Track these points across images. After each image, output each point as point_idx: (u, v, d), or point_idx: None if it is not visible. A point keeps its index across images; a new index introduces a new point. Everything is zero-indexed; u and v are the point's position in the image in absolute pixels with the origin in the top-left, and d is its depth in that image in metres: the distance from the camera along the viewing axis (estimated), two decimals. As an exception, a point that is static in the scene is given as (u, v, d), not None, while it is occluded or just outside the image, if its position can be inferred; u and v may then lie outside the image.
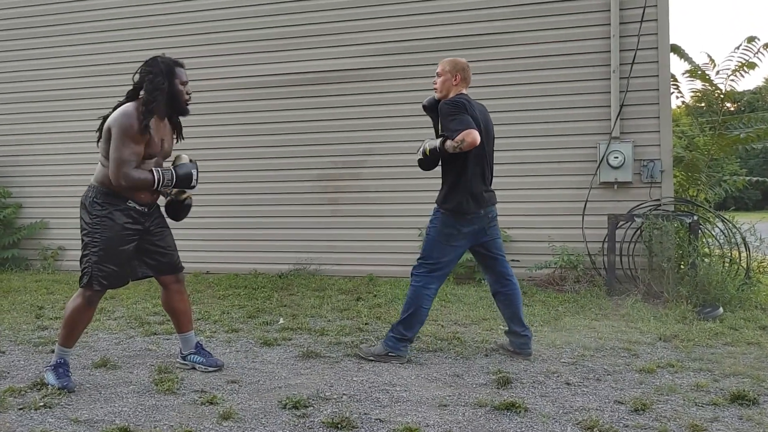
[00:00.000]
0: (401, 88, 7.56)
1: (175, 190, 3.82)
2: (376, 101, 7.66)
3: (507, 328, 4.31)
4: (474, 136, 3.78)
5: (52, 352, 4.25)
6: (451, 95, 4.13)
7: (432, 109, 4.26)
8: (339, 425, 2.94)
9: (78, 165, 8.61)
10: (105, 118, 3.67)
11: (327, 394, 3.43)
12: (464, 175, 4.01)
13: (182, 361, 3.99)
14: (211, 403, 3.26)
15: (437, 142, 4.00)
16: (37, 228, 8.73)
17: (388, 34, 7.64)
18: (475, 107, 4.10)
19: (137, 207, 3.65)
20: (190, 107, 3.80)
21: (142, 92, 3.63)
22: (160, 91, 3.60)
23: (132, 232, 3.63)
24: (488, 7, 7.35)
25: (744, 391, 3.35)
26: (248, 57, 8.11)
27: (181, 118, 3.87)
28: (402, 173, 7.45)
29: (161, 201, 3.87)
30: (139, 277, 3.82)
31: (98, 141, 3.72)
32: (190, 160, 3.79)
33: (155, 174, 3.54)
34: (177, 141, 3.94)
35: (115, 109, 3.64)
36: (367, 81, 7.70)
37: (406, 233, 7.44)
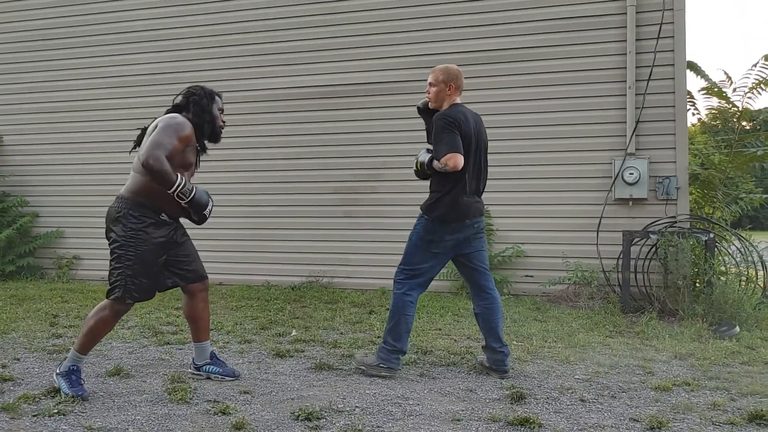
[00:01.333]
0: (416, 101, 7.56)
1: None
2: (392, 115, 7.69)
3: (484, 343, 4.20)
4: (456, 161, 3.82)
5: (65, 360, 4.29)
6: (445, 106, 4.10)
7: (426, 111, 4.23)
8: (352, 438, 2.93)
9: (94, 175, 8.71)
10: (144, 129, 3.72)
11: (340, 406, 3.41)
12: (452, 185, 3.97)
13: (195, 372, 3.98)
14: (224, 414, 3.26)
15: (426, 158, 4.02)
16: (52, 237, 8.80)
17: (406, 49, 7.68)
18: (469, 119, 4.06)
19: (168, 220, 3.68)
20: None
21: (184, 113, 3.73)
22: (207, 113, 3.74)
23: (165, 245, 3.66)
24: (507, 22, 7.37)
25: (762, 410, 3.30)
26: (264, 70, 8.17)
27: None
28: (417, 187, 7.38)
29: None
30: (167, 288, 3.82)
31: (132, 150, 3.75)
32: (208, 195, 3.80)
33: (178, 177, 3.52)
34: (196, 167, 3.97)
35: (153, 120, 3.71)
36: (384, 95, 7.73)
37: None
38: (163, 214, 3.64)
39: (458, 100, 4.16)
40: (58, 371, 3.62)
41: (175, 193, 3.50)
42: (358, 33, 7.86)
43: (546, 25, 7.25)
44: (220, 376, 3.91)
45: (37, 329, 5.31)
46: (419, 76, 7.58)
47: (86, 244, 8.68)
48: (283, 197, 8.08)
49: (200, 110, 3.74)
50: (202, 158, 3.96)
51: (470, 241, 4.10)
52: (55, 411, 3.25)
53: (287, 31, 8.11)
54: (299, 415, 3.22)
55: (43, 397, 3.50)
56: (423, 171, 4.10)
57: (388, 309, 6.29)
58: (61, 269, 8.68)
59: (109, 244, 3.63)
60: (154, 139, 3.48)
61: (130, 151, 3.79)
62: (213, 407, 3.36)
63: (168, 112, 3.77)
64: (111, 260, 3.61)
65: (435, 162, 3.94)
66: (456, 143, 3.86)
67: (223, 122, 3.91)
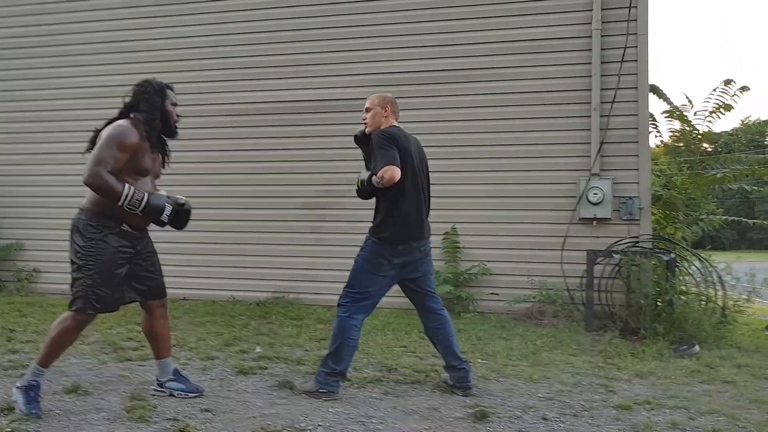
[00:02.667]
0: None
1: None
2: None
3: (444, 363, 4.20)
4: (393, 172, 3.78)
5: (22, 375, 4.18)
6: (383, 128, 4.10)
7: (363, 140, 4.18)
8: (313, 457, 2.90)
9: (55, 187, 8.55)
10: (98, 131, 3.64)
11: (302, 425, 3.38)
12: (399, 206, 3.96)
13: (159, 389, 3.91)
14: (184, 432, 3.21)
15: (366, 175, 3.99)
16: (11, 249, 8.61)
17: (373, 66, 7.72)
18: (408, 138, 4.10)
19: (130, 230, 3.61)
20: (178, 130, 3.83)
21: (134, 114, 3.64)
22: (158, 110, 3.65)
23: (126, 255, 3.59)
24: (472, 43, 7.46)
25: (719, 429, 3.37)
26: (231, 84, 8.15)
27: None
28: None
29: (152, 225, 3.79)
30: (126, 302, 3.74)
31: (85, 153, 3.65)
32: (169, 198, 3.67)
33: (125, 188, 3.42)
34: (164, 166, 3.90)
35: (107, 123, 3.64)
36: (350, 111, 7.72)
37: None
38: (124, 225, 3.57)
39: (395, 125, 4.16)
40: (18, 385, 3.53)
41: (124, 205, 3.42)
42: (326, 50, 7.88)
43: (513, 46, 7.35)
44: (183, 393, 3.85)
45: (-7, 344, 5.18)
46: (391, 93, 7.61)
47: (46, 257, 8.50)
48: (249, 212, 8.02)
49: (152, 108, 3.64)
50: (169, 165, 3.90)
51: (417, 265, 4.07)
52: (9, 429, 3.16)
53: (255, 47, 8.09)
54: (261, 433, 3.18)
55: (-4, 415, 3.40)
56: (363, 189, 4.06)
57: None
58: (20, 282, 8.49)
59: (70, 255, 3.56)
60: (95, 155, 3.43)
61: (83, 153, 3.66)
62: (173, 426, 3.30)
63: (120, 111, 3.69)
64: (72, 271, 3.55)
65: (374, 178, 3.87)
66: (392, 157, 3.84)
67: (178, 116, 3.81)
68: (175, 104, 3.79)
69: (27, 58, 8.83)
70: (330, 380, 3.93)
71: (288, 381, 4.19)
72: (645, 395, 4.13)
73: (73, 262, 3.54)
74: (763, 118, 7.93)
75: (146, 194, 3.53)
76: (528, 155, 7.25)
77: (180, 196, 3.75)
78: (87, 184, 3.40)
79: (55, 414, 3.47)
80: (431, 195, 4.27)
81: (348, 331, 3.95)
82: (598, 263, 6.65)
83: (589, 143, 7.06)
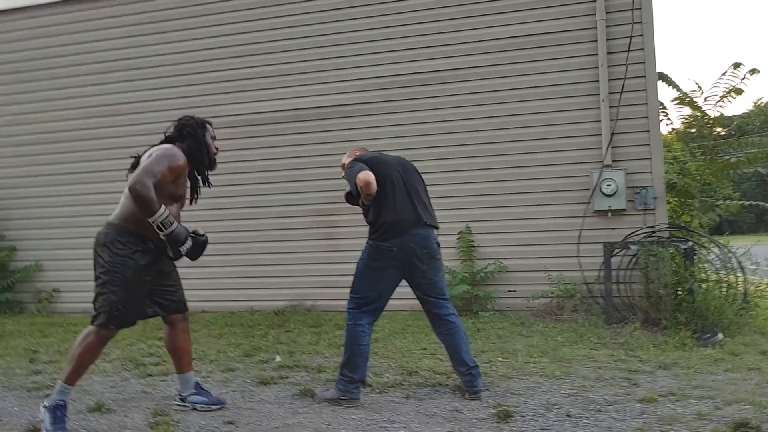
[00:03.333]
0: (394, 122, 7.61)
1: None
2: (368, 135, 7.68)
3: (453, 368, 4.19)
4: (363, 176, 3.85)
5: (47, 396, 4.21)
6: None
7: (353, 196, 4.15)
8: (338, 465, 2.89)
9: (72, 207, 8.63)
10: (138, 156, 3.71)
11: (325, 433, 3.38)
12: (386, 204, 3.99)
13: (181, 403, 3.93)
14: (208, 446, 3.21)
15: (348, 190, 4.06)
16: (31, 271, 8.69)
17: (381, 69, 7.72)
18: (375, 155, 4.18)
19: (154, 248, 3.64)
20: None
21: (178, 144, 3.76)
22: (202, 143, 3.80)
23: (150, 272, 3.64)
24: (478, 40, 7.44)
25: (746, 418, 3.32)
26: (241, 95, 8.17)
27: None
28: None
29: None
30: (148, 316, 3.78)
31: (128, 175, 3.67)
32: (200, 235, 3.79)
33: (161, 207, 3.45)
34: (196, 199, 4.03)
35: (148, 149, 3.72)
36: (361, 116, 7.76)
37: (402, 266, 7.40)
38: (149, 242, 3.60)
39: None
40: (45, 404, 3.55)
41: (155, 223, 3.44)
42: (331, 56, 7.89)
43: (518, 41, 7.33)
44: (206, 406, 3.87)
45: (16, 366, 5.22)
46: (392, 96, 7.63)
47: (66, 277, 8.57)
48: (263, 221, 8.05)
49: (196, 142, 3.80)
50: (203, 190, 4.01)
51: (422, 269, 4.01)
52: (35, 451, 3.19)
53: (261, 56, 8.12)
54: (284, 444, 3.18)
55: (22, 437, 3.43)
56: (350, 197, 4.13)
57: (372, 330, 6.28)
58: (40, 303, 8.56)
59: (95, 269, 3.60)
60: (146, 166, 3.48)
61: (127, 176, 3.67)
62: (197, 440, 3.31)
63: (161, 143, 3.77)
64: (96, 286, 3.58)
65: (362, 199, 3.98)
66: (358, 167, 3.95)
67: (217, 149, 3.98)
68: (214, 138, 3.96)
69: (37, 81, 8.92)
70: (350, 387, 3.93)
71: (309, 390, 4.19)
72: (669, 387, 4.10)
73: (98, 277, 3.58)
74: (776, 100, 7.80)
75: (176, 222, 3.55)
76: (539, 150, 7.21)
77: (200, 230, 3.81)
78: (131, 190, 3.40)
79: (80, 434, 3.49)
80: (436, 196, 4.33)
81: (356, 338, 3.97)
82: (615, 255, 6.60)
83: (600, 135, 7.02)
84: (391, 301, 7.44)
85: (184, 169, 3.67)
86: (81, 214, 8.59)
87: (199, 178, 3.96)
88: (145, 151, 3.69)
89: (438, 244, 4.12)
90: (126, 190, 3.56)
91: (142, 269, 3.57)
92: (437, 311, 4.13)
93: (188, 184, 3.87)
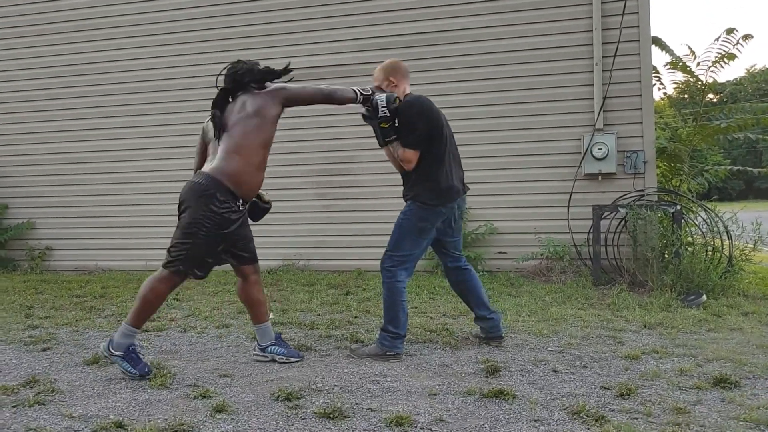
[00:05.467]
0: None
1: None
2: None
3: (475, 315, 4.35)
4: (410, 164, 4.02)
5: (44, 350, 4.30)
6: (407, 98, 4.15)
7: (370, 118, 4.14)
8: (331, 415, 2.99)
9: (63, 165, 8.63)
10: (216, 116, 3.75)
11: (319, 385, 3.47)
12: (438, 172, 4.03)
13: (261, 354, 4.00)
14: (204, 397, 3.30)
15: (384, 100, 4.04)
16: (23, 228, 8.71)
17: (375, 30, 7.69)
18: (431, 105, 4.15)
19: (241, 207, 3.71)
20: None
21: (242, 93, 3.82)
22: (262, 81, 3.88)
23: (232, 230, 3.68)
24: (471, 2, 7.41)
25: (726, 374, 3.43)
26: (235, 54, 8.11)
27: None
28: (390, 168, 7.45)
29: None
30: (221, 263, 3.86)
31: (219, 136, 3.73)
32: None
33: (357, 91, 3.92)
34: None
35: (217, 107, 3.80)
36: (353, 76, 7.72)
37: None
38: (240, 201, 3.67)
39: (408, 89, 4.31)
40: (110, 353, 3.60)
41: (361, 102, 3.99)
42: (326, 15, 7.85)
43: (511, 3, 7.30)
44: (284, 357, 3.96)
45: (12, 321, 5.28)
46: (387, 57, 7.58)
47: (58, 235, 8.61)
48: (257, 182, 8.07)
49: (259, 80, 3.90)
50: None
51: (452, 225, 4.19)
52: (35, 401, 3.26)
53: (253, 15, 8.06)
54: (279, 395, 3.27)
55: (21, 388, 3.50)
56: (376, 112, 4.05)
57: (364, 289, 6.39)
58: (33, 260, 8.60)
59: (182, 217, 3.62)
60: (309, 91, 4.06)
61: (218, 139, 3.72)
62: (193, 391, 3.40)
63: (218, 96, 3.84)
64: (180, 232, 3.60)
65: (399, 152, 4.03)
66: (416, 140, 3.97)
67: None
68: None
69: (34, 35, 8.82)
70: (396, 342, 4.04)
71: (303, 345, 4.28)
72: (653, 345, 4.21)
73: (185, 226, 3.58)
74: (769, 66, 7.80)
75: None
76: (531, 113, 7.24)
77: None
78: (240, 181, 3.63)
79: (78, 384, 3.57)
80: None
81: (398, 295, 4.06)
82: (604, 218, 6.70)
83: (592, 99, 7.05)
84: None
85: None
86: (73, 172, 8.59)
87: None
88: (217, 110, 3.75)
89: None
90: (230, 144, 3.63)
91: (230, 227, 3.63)
92: (457, 264, 4.32)
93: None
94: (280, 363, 3.93)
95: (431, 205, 4.03)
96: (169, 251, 3.63)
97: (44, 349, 4.35)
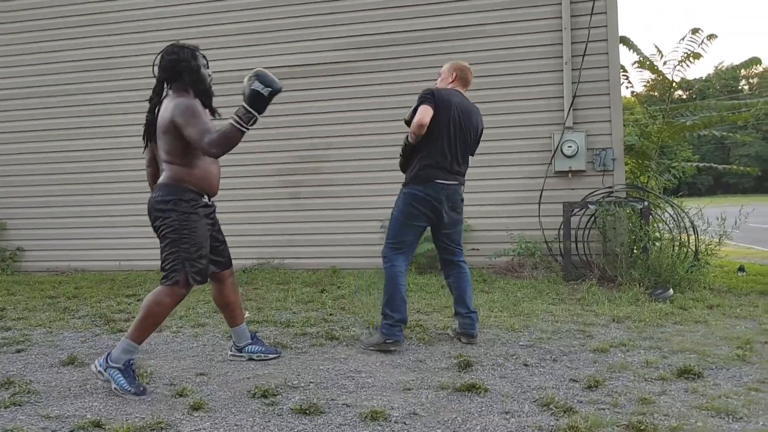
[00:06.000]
0: (361, 82, 7.66)
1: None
2: (335, 95, 7.75)
3: (453, 311, 4.47)
4: (421, 118, 4.07)
5: (18, 352, 4.29)
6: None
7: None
8: (307, 411, 3.04)
9: (34, 165, 8.54)
10: (149, 122, 3.69)
11: (294, 382, 3.52)
12: (427, 151, 4.19)
13: (237, 354, 4.03)
14: (181, 395, 3.33)
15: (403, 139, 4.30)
16: (-6, 229, 8.62)
17: (347, 29, 7.74)
18: (452, 99, 4.25)
19: (208, 202, 3.70)
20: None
21: (175, 85, 3.63)
22: (200, 73, 3.70)
23: (209, 227, 3.69)
24: (442, 2, 7.49)
25: (690, 366, 3.54)
26: (210, 53, 8.09)
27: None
28: (362, 166, 7.56)
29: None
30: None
31: (145, 148, 3.76)
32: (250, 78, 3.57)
33: (233, 124, 3.41)
34: (214, 117, 3.89)
35: (154, 110, 3.67)
36: (327, 76, 7.78)
37: (368, 225, 7.55)
38: (205, 197, 3.66)
39: (460, 89, 4.44)
40: (107, 365, 3.44)
41: (249, 126, 3.49)
42: (296, 14, 7.87)
43: (482, 3, 7.40)
44: (262, 355, 4.00)
45: (-15, 323, 5.25)
46: (360, 56, 7.67)
47: (30, 236, 8.53)
48: (229, 181, 8.06)
49: (196, 75, 3.67)
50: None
51: (448, 215, 4.29)
52: (11, 402, 3.27)
53: (227, 14, 8.06)
54: (255, 392, 3.31)
55: (-4, 390, 3.50)
56: (405, 151, 4.33)
57: (339, 287, 6.44)
58: (4, 261, 8.51)
59: (160, 232, 3.56)
60: (194, 134, 3.38)
61: (143, 150, 3.75)
62: (170, 390, 3.42)
63: (156, 85, 3.68)
64: (164, 247, 3.53)
65: (410, 137, 4.20)
66: (424, 109, 4.10)
67: (211, 76, 3.86)
68: (206, 65, 3.82)
69: (4, 34, 8.73)
70: (394, 330, 4.14)
71: (279, 343, 4.32)
72: (621, 338, 4.33)
73: (165, 237, 3.53)
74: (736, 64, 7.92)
75: (242, 105, 3.48)
76: (502, 111, 7.35)
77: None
78: (215, 156, 3.43)
79: (54, 385, 3.57)
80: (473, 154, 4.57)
81: (396, 278, 4.19)
82: (574, 214, 6.83)
83: (562, 97, 7.18)
84: (356, 260, 7.64)
85: (202, 110, 3.60)
86: (43, 173, 8.51)
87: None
88: (155, 113, 3.63)
89: (462, 200, 4.42)
90: (163, 156, 3.56)
91: (206, 223, 3.64)
92: (451, 257, 4.45)
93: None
94: (257, 360, 3.97)
95: (413, 182, 4.21)
96: (162, 267, 3.57)
97: (18, 351, 4.34)
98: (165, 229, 3.53)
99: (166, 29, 8.14)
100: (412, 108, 4.22)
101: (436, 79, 6.78)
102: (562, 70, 7.16)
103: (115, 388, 3.38)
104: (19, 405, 3.25)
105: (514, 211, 7.31)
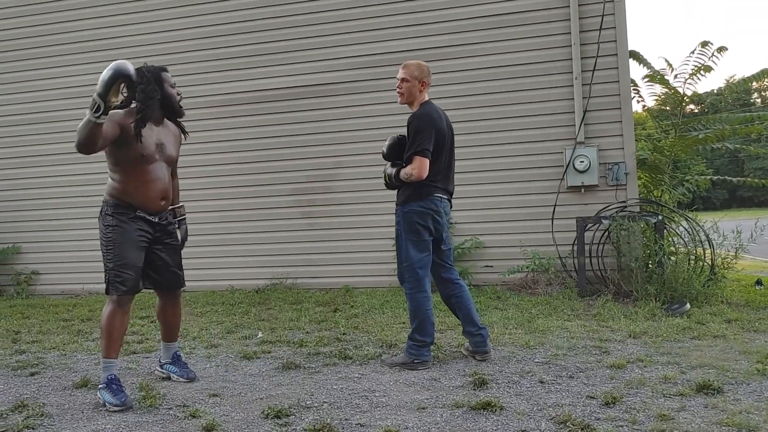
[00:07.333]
0: (370, 101, 7.69)
1: None
2: (345, 115, 7.78)
3: (463, 329, 4.41)
4: (421, 171, 4.05)
5: (32, 375, 4.30)
6: (416, 104, 4.28)
7: (393, 156, 4.31)
8: (321, 431, 3.01)
9: (49, 188, 8.61)
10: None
11: (308, 402, 3.49)
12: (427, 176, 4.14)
13: (160, 369, 4.17)
14: (194, 417, 3.31)
15: (393, 171, 4.23)
16: (9, 253, 8.67)
17: (356, 49, 7.78)
18: (442, 117, 4.26)
19: (147, 216, 3.77)
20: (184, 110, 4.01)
21: (133, 103, 3.73)
22: (154, 100, 3.73)
23: (143, 236, 3.75)
24: (453, 20, 7.52)
25: (709, 381, 3.48)
26: (219, 75, 8.18)
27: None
28: (373, 185, 7.55)
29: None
30: (143, 287, 3.92)
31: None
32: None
33: (84, 120, 3.36)
34: (185, 138, 4.04)
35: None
36: (337, 95, 7.82)
37: (380, 243, 7.53)
38: (139, 211, 3.74)
39: (427, 98, 4.33)
40: (99, 386, 3.64)
41: (94, 118, 3.31)
42: (309, 35, 7.92)
43: (492, 20, 7.42)
44: (175, 376, 4.06)
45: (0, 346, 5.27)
46: (370, 75, 7.70)
47: (45, 259, 8.58)
48: (242, 201, 8.10)
49: (146, 98, 3.70)
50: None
51: (442, 231, 4.27)
52: (24, 425, 3.26)
53: (240, 36, 8.13)
54: (269, 413, 3.29)
55: (10, 413, 3.50)
56: (392, 183, 4.28)
57: (352, 306, 6.41)
58: (19, 285, 8.56)
59: (100, 244, 3.77)
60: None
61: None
62: (183, 412, 3.41)
63: (122, 102, 3.73)
64: (102, 256, 3.74)
65: (402, 173, 4.14)
66: (425, 149, 4.05)
67: (179, 95, 3.92)
68: (173, 85, 3.88)
69: (17, 60, 8.83)
70: (422, 351, 4.15)
71: (292, 363, 4.30)
72: (638, 354, 4.27)
73: (101, 247, 3.74)
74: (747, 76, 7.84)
75: (95, 106, 3.34)
76: (513, 128, 7.34)
77: None
78: (81, 151, 3.51)
79: (67, 408, 3.57)
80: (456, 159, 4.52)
81: (422, 305, 4.18)
82: (588, 230, 6.78)
83: (573, 112, 7.16)
84: (368, 278, 7.61)
85: (118, 123, 3.57)
86: (58, 196, 8.58)
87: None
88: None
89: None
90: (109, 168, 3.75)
91: (132, 234, 3.69)
92: (449, 275, 4.40)
93: (158, 135, 3.80)
94: (175, 381, 4.04)
95: (416, 206, 4.15)
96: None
97: (32, 374, 4.34)
98: (100, 242, 3.75)
99: (173, 53, 8.23)
100: (388, 141, 4.23)
101: (447, 97, 6.76)
102: (572, 86, 7.15)
103: (104, 405, 3.53)
104: (33, 428, 3.24)
105: (527, 227, 7.27)
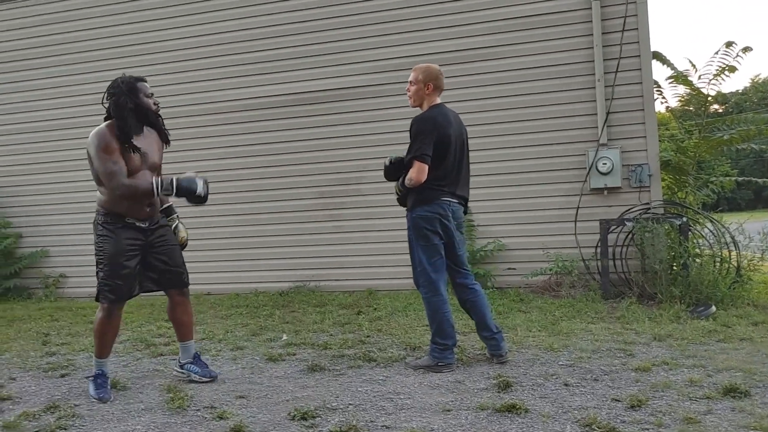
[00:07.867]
0: (396, 104, 7.69)
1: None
2: (371, 118, 7.82)
3: (479, 335, 4.43)
4: (419, 177, 4.08)
5: (62, 376, 4.39)
6: (425, 106, 4.31)
7: (394, 171, 4.38)
8: (347, 433, 3.04)
9: (76, 193, 8.72)
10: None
11: (333, 404, 3.53)
12: (429, 182, 4.14)
13: (179, 370, 4.22)
14: (221, 418, 3.36)
15: (399, 180, 4.31)
16: (37, 257, 8.82)
17: (382, 52, 7.81)
18: (451, 120, 4.25)
19: (137, 223, 3.88)
20: (164, 119, 4.11)
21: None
22: (127, 110, 3.81)
23: (134, 247, 3.86)
24: (475, 23, 7.53)
25: (736, 384, 3.46)
26: (246, 79, 8.26)
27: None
28: (396, 188, 7.58)
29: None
30: (142, 291, 4.04)
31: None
32: (198, 174, 3.93)
33: (153, 180, 3.77)
34: (166, 146, 4.12)
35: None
36: (363, 98, 7.86)
37: (403, 246, 7.46)
38: (128, 218, 3.84)
39: (438, 101, 4.31)
40: (87, 375, 4.02)
41: (160, 194, 3.80)
42: (335, 39, 7.97)
43: (513, 23, 7.42)
44: (197, 376, 4.12)
45: (30, 348, 5.37)
46: (395, 78, 7.71)
47: (72, 262, 8.71)
48: (268, 204, 8.17)
49: (118, 109, 3.80)
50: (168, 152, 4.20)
51: (456, 234, 4.27)
52: (56, 426, 3.33)
53: (266, 41, 8.20)
54: (295, 415, 3.33)
55: (42, 414, 3.57)
56: (402, 194, 4.33)
57: (375, 309, 6.44)
58: (48, 288, 8.71)
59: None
60: (102, 172, 3.71)
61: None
62: (210, 413, 3.46)
63: (104, 118, 3.93)
64: (96, 264, 3.90)
65: (405, 179, 4.19)
66: (424, 154, 4.07)
67: (156, 104, 3.98)
68: (149, 95, 3.94)
69: (41, 68, 8.99)
70: (445, 353, 4.19)
71: (317, 365, 4.34)
72: (663, 356, 4.25)
73: (95, 256, 3.90)
74: (772, 76, 7.81)
75: (174, 178, 3.80)
76: (536, 130, 7.33)
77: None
78: (121, 198, 3.75)
79: (97, 409, 3.64)
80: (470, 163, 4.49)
81: (440, 308, 4.21)
82: (611, 232, 6.74)
83: (596, 114, 7.13)
84: (392, 281, 7.64)
85: (114, 143, 3.74)
86: (85, 200, 8.67)
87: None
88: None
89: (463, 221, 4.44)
90: (94, 177, 3.87)
91: (123, 244, 3.80)
92: (464, 281, 4.39)
93: (141, 143, 3.89)
94: (197, 382, 4.10)
95: (423, 211, 4.18)
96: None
97: (62, 375, 4.43)
98: (94, 249, 3.89)
99: (225, 54, 8.33)
100: (411, 143, 4.20)
101: (471, 100, 6.79)
102: (594, 87, 7.13)
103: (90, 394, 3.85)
104: (65, 429, 3.32)
105: (551, 230, 7.25)
